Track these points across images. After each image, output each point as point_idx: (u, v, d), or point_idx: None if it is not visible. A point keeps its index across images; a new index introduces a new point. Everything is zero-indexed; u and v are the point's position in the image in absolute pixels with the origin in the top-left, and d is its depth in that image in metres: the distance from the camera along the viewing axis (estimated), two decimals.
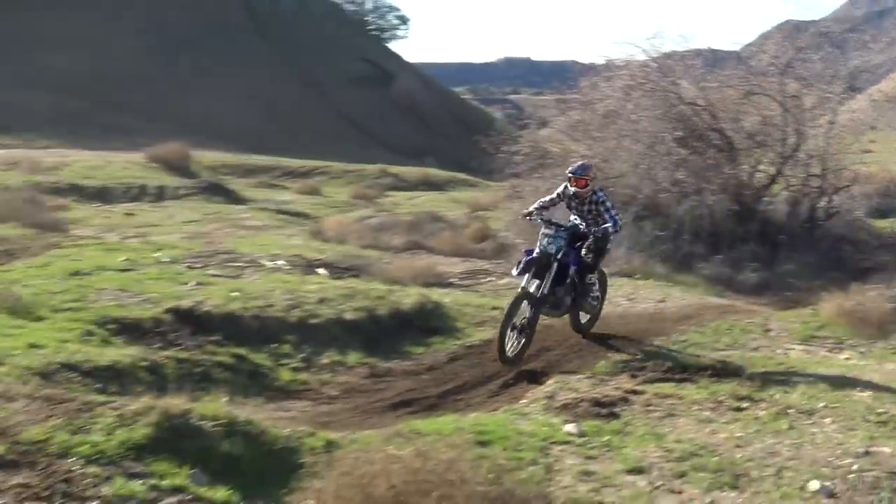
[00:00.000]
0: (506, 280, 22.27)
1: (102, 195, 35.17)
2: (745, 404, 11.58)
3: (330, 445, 9.06)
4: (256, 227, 28.83)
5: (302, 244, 24.31)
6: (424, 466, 7.40)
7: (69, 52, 61.40)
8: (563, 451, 9.92)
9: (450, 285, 20.62)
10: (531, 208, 14.74)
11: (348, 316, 15.25)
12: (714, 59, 35.74)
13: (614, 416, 11.13)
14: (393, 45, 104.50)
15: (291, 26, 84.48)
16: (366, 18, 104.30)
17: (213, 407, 8.93)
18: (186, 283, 15.97)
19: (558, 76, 40.67)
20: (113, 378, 11.02)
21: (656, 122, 28.00)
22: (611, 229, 14.16)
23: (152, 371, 11.68)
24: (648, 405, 11.49)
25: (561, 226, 14.27)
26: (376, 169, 50.80)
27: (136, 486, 7.59)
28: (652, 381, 12.40)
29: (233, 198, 37.52)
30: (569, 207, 14.63)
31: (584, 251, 14.28)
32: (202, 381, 11.65)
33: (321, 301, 15.60)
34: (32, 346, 11.28)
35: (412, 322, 15.82)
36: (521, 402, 11.80)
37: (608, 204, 14.28)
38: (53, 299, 13.91)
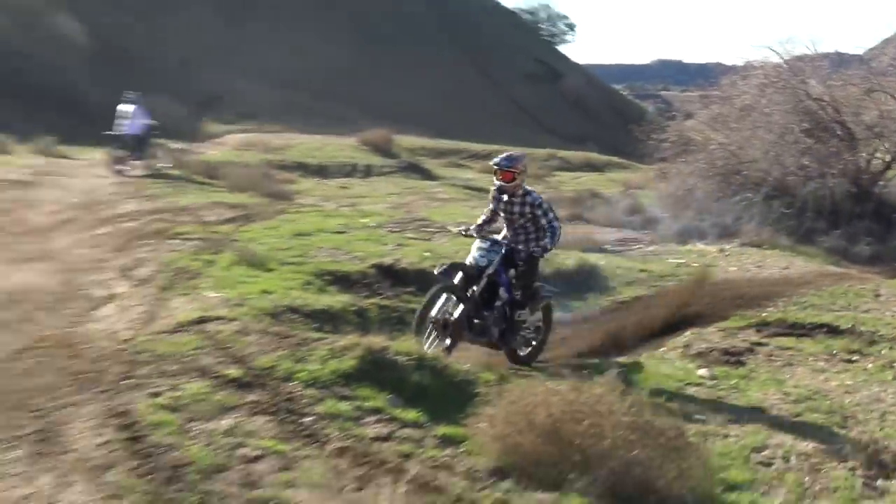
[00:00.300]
0: (653, 247, 22.07)
1: (321, 171, 35.74)
2: (855, 357, 11.33)
3: (501, 380, 9.15)
4: (445, 200, 28.98)
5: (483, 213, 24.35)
6: (578, 399, 7.46)
7: (295, 53, 62.62)
8: (697, 391, 9.86)
9: (604, 251, 20.50)
10: (472, 226, 11.36)
11: None
12: (839, 61, 34.46)
13: (741, 363, 11.01)
14: (562, 48, 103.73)
15: (476, 31, 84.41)
16: (539, 25, 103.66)
17: (407, 345, 9.11)
18: (388, 245, 16.22)
19: (703, 76, 39.79)
20: (327, 319, 11.30)
21: (786, 115, 27.30)
22: (549, 245, 10.83)
23: (359, 314, 11.95)
24: (771, 355, 11.32)
25: (497, 242, 10.86)
26: (545, 153, 50.38)
27: (344, 406, 7.83)
28: (774, 335, 12.18)
29: (426, 175, 37.69)
30: (501, 212, 11.09)
31: (514, 281, 10.83)
32: (398, 323, 11.83)
33: None
34: (264, 291, 11.67)
35: (573, 280, 15.79)
36: (662, 349, 11.76)
37: (545, 206, 10.79)
38: (281, 255, 14.31)
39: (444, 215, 22.17)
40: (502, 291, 10.67)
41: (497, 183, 10.91)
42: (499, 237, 11.06)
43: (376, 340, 9.09)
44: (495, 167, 10.84)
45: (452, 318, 10.22)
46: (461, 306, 10.26)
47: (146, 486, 6.04)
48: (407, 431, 7.65)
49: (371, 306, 12.44)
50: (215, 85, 56.37)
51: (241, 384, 7.85)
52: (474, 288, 10.44)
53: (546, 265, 15.95)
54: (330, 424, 7.46)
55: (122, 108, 26.69)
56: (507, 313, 10.75)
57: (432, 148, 46.18)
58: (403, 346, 9.12)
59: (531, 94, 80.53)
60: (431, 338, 10.14)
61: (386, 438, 7.46)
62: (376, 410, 7.89)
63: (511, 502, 6.69)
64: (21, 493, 5.82)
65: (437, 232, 18.60)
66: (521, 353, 11.16)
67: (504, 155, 11.04)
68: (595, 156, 53.23)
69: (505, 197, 10.90)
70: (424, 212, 22.98)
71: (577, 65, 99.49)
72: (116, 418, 6.91)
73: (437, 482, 6.79)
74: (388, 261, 14.55)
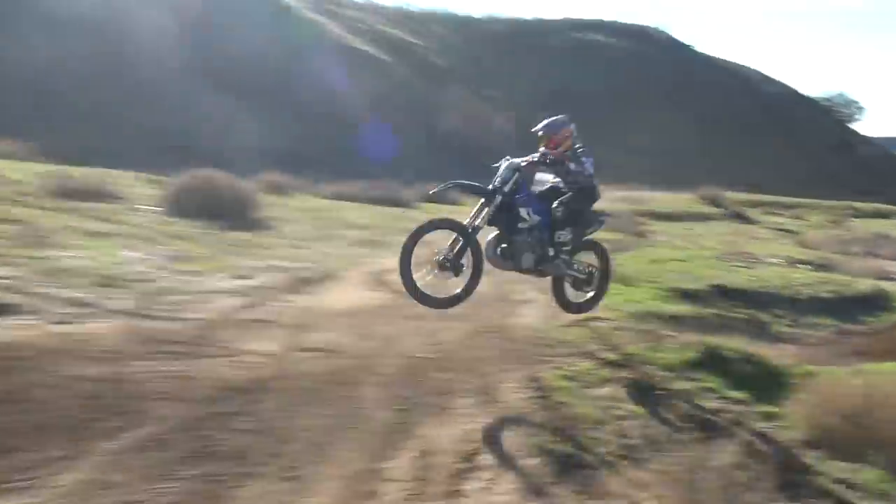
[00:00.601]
0: None
1: (670, 217, 34.49)
2: None
3: (809, 374, 8.32)
4: (762, 238, 27.29)
5: (791, 249, 22.65)
6: (873, 392, 6.67)
7: (657, 135, 61.63)
8: None
9: (893, 279, 18.26)
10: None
11: (823, 295, 13.94)
12: None
13: None
14: (854, 125, 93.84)
15: (788, 116, 78.32)
16: (836, 109, 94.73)
17: (735, 343, 8.57)
18: (719, 270, 15.33)
19: None
20: (675, 322, 10.81)
21: None
22: (578, 170, 7.45)
23: (698, 320, 11.27)
24: None
25: (517, 165, 7.30)
26: (843, 205, 46.27)
27: (688, 385, 7.45)
28: None
29: (748, 220, 35.64)
30: (554, 174, 7.64)
31: (555, 203, 7.47)
32: (727, 328, 11.11)
33: (804, 285, 14.40)
34: (630, 300, 11.43)
35: (866, 301, 14.17)
36: None
37: (582, 158, 7.57)
38: (642, 275, 13.92)
39: (762, 249, 20.79)
40: (525, 213, 7.34)
41: (541, 150, 7.52)
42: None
43: (712, 339, 8.62)
44: (539, 133, 7.51)
45: (450, 257, 7.12)
46: (463, 239, 7.10)
47: (550, 430, 6.10)
48: (735, 407, 7.12)
49: (708, 314, 11.77)
50: (599, 157, 56.69)
51: (615, 365, 7.70)
52: (486, 210, 7.18)
53: (845, 289, 14.44)
54: (678, 398, 7.14)
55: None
56: (544, 237, 7.44)
57: (753, 201, 43.59)
58: (732, 344, 8.58)
59: (830, 160, 73.92)
60: (430, 278, 7.13)
61: (719, 411, 7.01)
62: (712, 390, 7.42)
63: (817, 466, 6.08)
64: (470, 427, 6.07)
65: (756, 262, 17.44)
66: (575, 301, 8.23)
67: (546, 122, 7.51)
68: (883, 206, 48.23)
69: (550, 160, 7.56)
70: (747, 247, 21.62)
71: (866, 137, 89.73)
72: (532, 382, 7.02)
73: (760, 446, 6.30)
74: (720, 282, 13.73)
